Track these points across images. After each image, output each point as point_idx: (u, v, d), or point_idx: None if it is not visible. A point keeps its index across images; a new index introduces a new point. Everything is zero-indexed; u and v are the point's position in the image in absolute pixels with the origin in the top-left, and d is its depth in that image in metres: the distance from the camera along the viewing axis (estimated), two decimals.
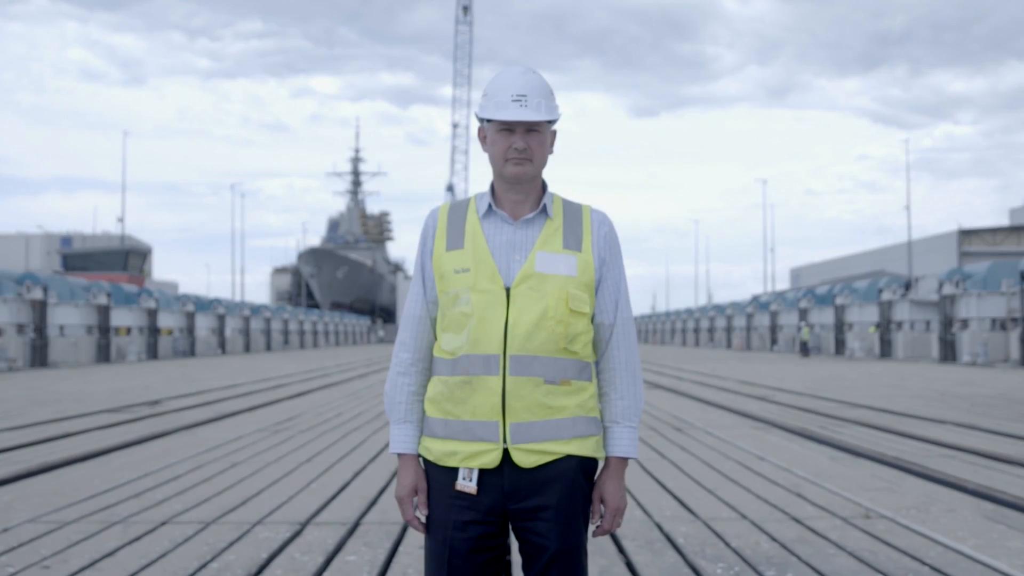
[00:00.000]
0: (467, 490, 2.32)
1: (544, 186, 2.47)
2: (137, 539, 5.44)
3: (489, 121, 2.41)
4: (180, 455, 8.96)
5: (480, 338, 2.32)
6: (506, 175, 2.39)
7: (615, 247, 2.47)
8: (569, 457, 2.35)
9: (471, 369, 2.32)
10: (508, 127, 2.37)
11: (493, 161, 2.42)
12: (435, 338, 2.47)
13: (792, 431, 10.91)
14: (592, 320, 2.44)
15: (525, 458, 2.31)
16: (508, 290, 2.33)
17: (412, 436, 2.44)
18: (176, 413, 13.64)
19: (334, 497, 6.77)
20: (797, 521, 5.88)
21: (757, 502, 6.50)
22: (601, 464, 2.45)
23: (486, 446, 2.32)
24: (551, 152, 2.46)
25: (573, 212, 2.46)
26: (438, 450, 2.37)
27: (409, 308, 2.49)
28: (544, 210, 2.43)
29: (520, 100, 2.36)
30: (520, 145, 2.35)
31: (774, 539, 5.41)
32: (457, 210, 2.47)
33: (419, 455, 2.44)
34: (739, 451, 9.15)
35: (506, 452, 2.32)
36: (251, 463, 8.49)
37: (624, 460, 2.44)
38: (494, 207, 2.42)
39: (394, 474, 7.61)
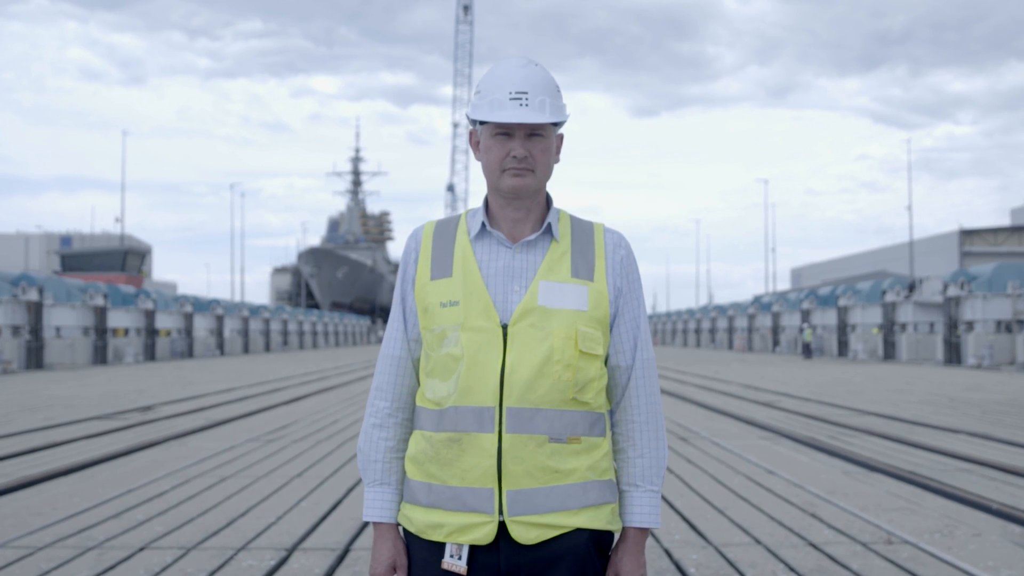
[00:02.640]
0: (456, 570, 1.93)
1: (549, 201, 2.09)
2: (111, 568, 5.09)
3: (483, 123, 2.02)
4: (167, 468, 8.62)
5: (471, 386, 1.93)
6: (503, 188, 2.01)
7: (633, 274, 2.08)
8: (579, 531, 1.95)
9: (460, 424, 1.94)
10: (505, 131, 1.98)
11: (487, 171, 2.03)
12: (418, 384, 2.09)
13: (801, 441, 10.56)
14: (606, 362, 2.06)
15: (525, 533, 1.92)
16: (505, 328, 1.95)
17: (390, 501, 2.05)
18: (167, 420, 13.30)
19: (324, 518, 6.42)
20: (814, 547, 5.53)
21: (771, 524, 6.16)
22: (616, 535, 2.06)
23: (478, 518, 1.92)
24: (557, 161, 2.07)
25: (583, 233, 2.07)
26: (421, 521, 1.98)
27: (387, 347, 2.10)
28: (549, 230, 2.04)
29: (520, 98, 1.97)
30: (520, 152, 1.96)
31: (792, 569, 5.06)
32: (444, 230, 2.08)
33: (398, 524, 2.06)
34: (748, 464, 8.80)
35: (502, 525, 1.93)
36: (240, 477, 8.14)
37: (644, 531, 2.05)
38: (488, 226, 2.03)
39: None
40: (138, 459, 9.35)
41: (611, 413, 2.09)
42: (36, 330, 31.68)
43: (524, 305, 1.95)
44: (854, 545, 5.57)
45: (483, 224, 2.04)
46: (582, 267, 2.01)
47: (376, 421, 2.08)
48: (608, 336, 2.03)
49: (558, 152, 2.08)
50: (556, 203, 2.10)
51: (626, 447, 2.06)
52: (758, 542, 5.66)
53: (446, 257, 2.03)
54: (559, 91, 2.04)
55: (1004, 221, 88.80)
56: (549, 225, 2.04)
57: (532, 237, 2.02)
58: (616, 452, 2.08)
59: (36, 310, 31.79)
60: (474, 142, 2.08)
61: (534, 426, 1.92)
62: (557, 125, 2.04)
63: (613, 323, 2.04)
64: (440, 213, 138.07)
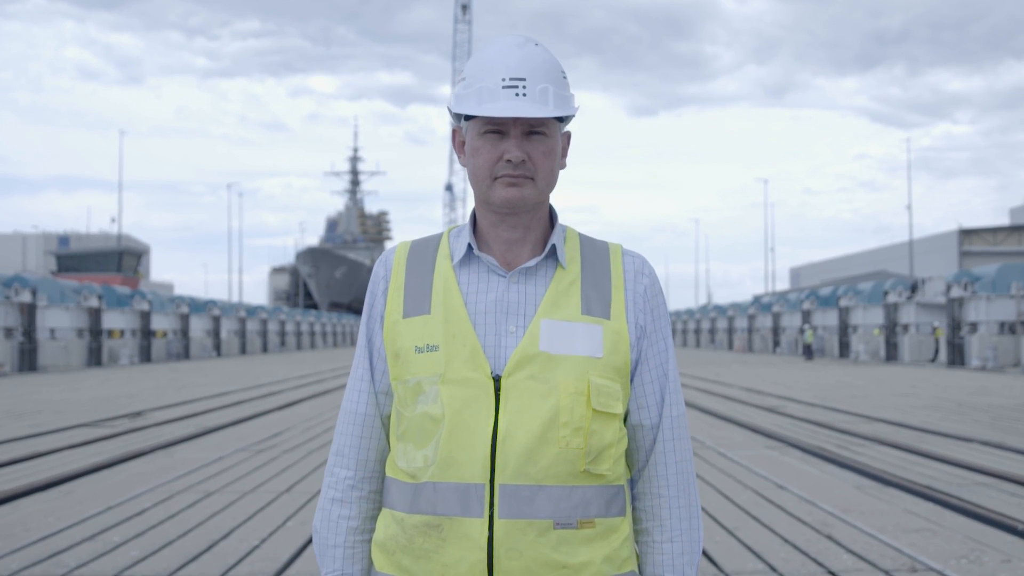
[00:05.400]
0: None
1: (552, 217, 1.68)
2: None
3: (469, 119, 1.61)
4: (151, 482, 8.26)
5: (454, 456, 1.52)
6: (494, 201, 1.59)
7: (660, 308, 1.66)
8: None
9: (440, 505, 1.53)
10: (497, 127, 1.57)
11: (475, 180, 1.61)
12: (389, 447, 1.68)
13: (809, 451, 10.20)
14: (625, 420, 1.65)
15: None
16: (497, 380, 1.53)
17: None
18: (156, 427, 12.94)
19: (311, 540, 6.05)
20: None
21: (785, 548, 5.80)
22: None
23: None
24: (563, 166, 1.66)
25: (596, 256, 1.66)
26: None
27: (350, 401, 1.68)
28: (553, 254, 1.63)
29: (515, 86, 1.54)
30: (516, 155, 1.55)
31: None
32: (421, 253, 1.67)
33: None
34: (756, 478, 8.44)
35: None
36: (226, 493, 7.78)
37: None
38: (477, 250, 1.63)
39: None
40: (121, 472, 8.99)
41: (631, 482, 1.69)
42: (29, 332, 31.30)
43: (522, 351, 1.55)
44: (876, 573, 5.20)
45: (470, 246, 1.63)
46: (595, 301, 1.61)
47: (336, 495, 1.67)
48: (628, 388, 1.62)
49: (564, 155, 1.67)
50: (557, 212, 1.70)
51: (651, 528, 1.66)
52: (773, 569, 5.30)
53: (423, 289, 1.61)
54: (565, 78, 1.62)
55: (1003, 220, 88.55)
56: (553, 247, 1.64)
57: (532, 263, 1.61)
58: (638, 533, 1.68)
59: (29, 312, 31.41)
60: (458, 143, 1.67)
61: (535, 508, 1.51)
62: (563, 121, 1.63)
63: (635, 372, 1.64)
64: (438, 213, 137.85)
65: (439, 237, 1.70)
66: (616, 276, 1.64)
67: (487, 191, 1.59)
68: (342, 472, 1.67)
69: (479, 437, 1.51)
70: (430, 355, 1.56)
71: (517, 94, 1.54)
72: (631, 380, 1.63)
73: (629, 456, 1.67)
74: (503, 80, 1.55)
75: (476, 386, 1.53)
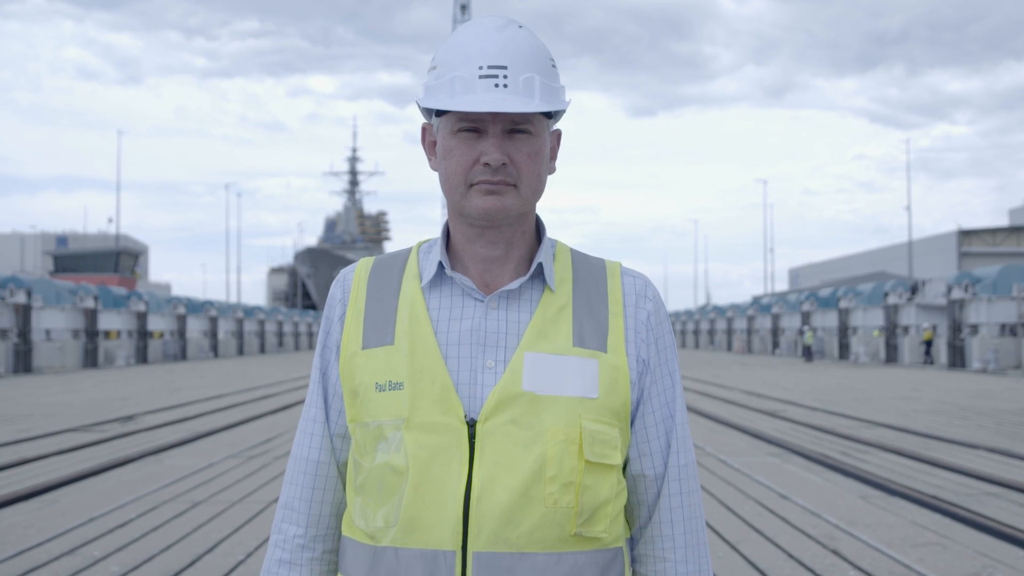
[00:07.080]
0: None
1: (539, 230, 1.44)
2: None
3: (440, 115, 1.36)
4: (137, 491, 8.04)
5: (420, 517, 1.28)
6: (470, 212, 1.34)
7: (665, 338, 1.42)
8: None
9: (402, 575, 1.29)
10: (473, 125, 1.32)
11: (447, 186, 1.36)
12: (345, 501, 1.45)
13: (812, 459, 9.99)
14: (624, 469, 1.41)
15: None
16: (473, 426, 1.30)
17: None
18: (147, 432, 12.73)
19: None
20: None
21: (790, 564, 5.58)
22: None
23: None
24: (552, 170, 1.41)
25: (591, 277, 1.41)
26: None
27: (301, 446, 1.44)
28: (539, 274, 1.39)
29: (495, 75, 1.30)
30: (495, 158, 1.31)
31: None
32: (385, 272, 1.43)
33: None
34: (758, 487, 8.22)
35: None
36: (213, 503, 7.56)
37: None
38: (449, 269, 1.38)
39: None
40: (107, 480, 8.78)
41: (630, 542, 1.45)
42: (24, 333, 31.08)
43: (501, 390, 1.31)
44: None
45: (441, 265, 1.39)
46: (590, 331, 1.36)
47: (284, 555, 1.42)
48: (628, 434, 1.38)
49: (553, 157, 1.42)
50: (548, 219, 1.48)
51: None
52: None
53: (386, 315, 1.37)
54: (554, 67, 1.36)
55: (1002, 221, 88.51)
56: (540, 266, 1.39)
57: (514, 285, 1.37)
58: None
59: (24, 313, 31.19)
60: (428, 143, 1.42)
61: None
62: (552, 117, 1.39)
63: (635, 414, 1.40)
64: (437, 213, 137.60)
65: (407, 253, 1.45)
66: (614, 301, 1.40)
67: (461, 200, 1.35)
68: (291, 529, 1.43)
69: (449, 494, 1.28)
70: (393, 394, 1.32)
71: (497, 85, 1.30)
72: (631, 424, 1.39)
73: (629, 512, 1.44)
74: (480, 68, 1.30)
75: (447, 432, 1.30)
